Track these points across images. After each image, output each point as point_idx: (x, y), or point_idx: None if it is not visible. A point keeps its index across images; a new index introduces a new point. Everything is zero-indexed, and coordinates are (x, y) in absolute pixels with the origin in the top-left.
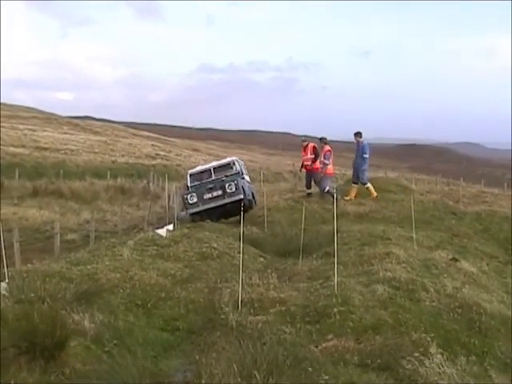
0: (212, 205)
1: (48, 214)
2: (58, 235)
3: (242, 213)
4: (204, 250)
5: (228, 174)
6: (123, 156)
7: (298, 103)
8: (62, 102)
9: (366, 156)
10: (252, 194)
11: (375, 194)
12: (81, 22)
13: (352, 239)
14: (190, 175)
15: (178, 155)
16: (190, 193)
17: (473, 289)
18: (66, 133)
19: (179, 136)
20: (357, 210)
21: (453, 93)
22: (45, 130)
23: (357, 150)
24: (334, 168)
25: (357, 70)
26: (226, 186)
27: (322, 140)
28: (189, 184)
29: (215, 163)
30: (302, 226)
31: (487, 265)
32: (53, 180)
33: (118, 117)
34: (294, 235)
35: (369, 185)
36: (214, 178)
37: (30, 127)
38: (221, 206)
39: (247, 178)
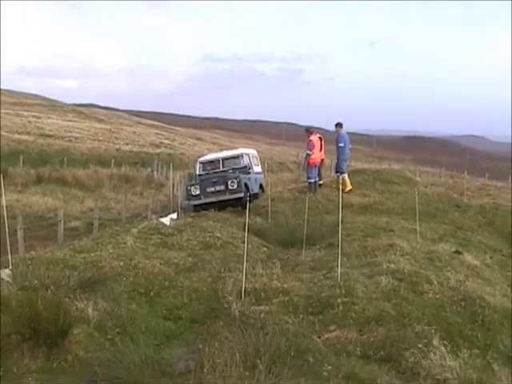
0: (213, 199)
1: (52, 202)
2: (62, 223)
3: (247, 204)
4: (208, 239)
5: (235, 166)
6: (127, 144)
7: (303, 94)
8: (67, 89)
9: (341, 145)
10: (260, 185)
11: (350, 187)
12: (85, 9)
13: (355, 230)
14: (200, 163)
15: (182, 144)
16: (193, 184)
17: (476, 282)
18: (70, 120)
19: (183, 125)
20: (361, 201)
21: (458, 85)
22: (49, 118)
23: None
24: (320, 157)
25: (362, 61)
26: (229, 182)
27: (307, 130)
28: (197, 172)
29: (225, 153)
30: (306, 217)
31: (490, 258)
32: (57, 167)
33: (123, 105)
34: (297, 225)
35: (345, 176)
36: (221, 169)
37: (34, 114)
38: (222, 201)
39: (257, 168)
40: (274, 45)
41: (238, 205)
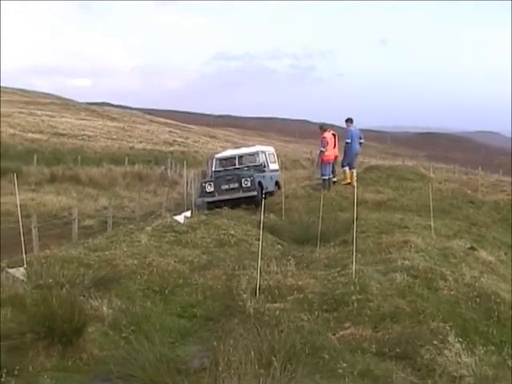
0: (227, 196)
1: (66, 200)
2: (76, 221)
3: (262, 202)
4: (222, 236)
5: (251, 164)
6: (141, 142)
7: (315, 90)
8: (80, 88)
9: (347, 141)
10: (276, 182)
11: (348, 181)
12: (97, 7)
13: (370, 227)
14: (216, 159)
15: (195, 142)
16: (208, 181)
17: (491, 278)
18: (83, 119)
19: (197, 123)
20: (375, 198)
21: (472, 81)
22: (63, 116)
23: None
24: (333, 154)
25: (374, 58)
26: (243, 180)
27: (321, 127)
28: (213, 168)
29: (241, 151)
30: (320, 214)
31: (505, 254)
32: (70, 166)
33: (135, 103)
34: (311, 223)
35: (346, 169)
36: (237, 166)
37: (48, 113)
38: (235, 199)
39: (274, 166)
40: (286, 42)
41: (251, 203)
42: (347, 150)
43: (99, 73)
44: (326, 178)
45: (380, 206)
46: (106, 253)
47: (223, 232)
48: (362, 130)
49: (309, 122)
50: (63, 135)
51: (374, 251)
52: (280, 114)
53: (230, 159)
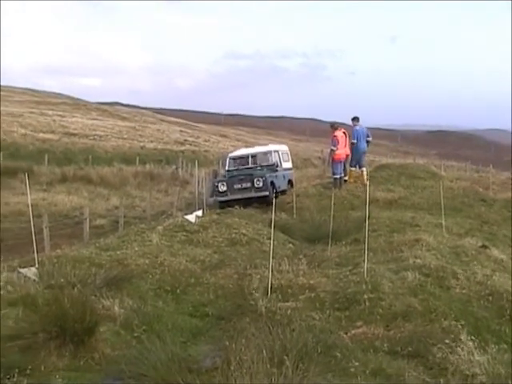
0: (239, 196)
1: (77, 200)
2: (87, 221)
3: (273, 201)
4: (233, 235)
5: (264, 163)
6: (151, 142)
7: (325, 89)
8: (91, 87)
9: (353, 141)
10: (289, 180)
11: (352, 180)
12: (108, 7)
13: (381, 226)
14: (230, 158)
15: (206, 141)
16: (220, 181)
17: (503, 276)
18: (94, 119)
19: (207, 122)
20: (386, 196)
21: (482, 79)
22: (74, 116)
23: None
24: (344, 152)
25: (384, 56)
26: (255, 180)
27: (332, 126)
28: (226, 167)
29: (254, 150)
30: (332, 213)
31: None
32: (81, 166)
33: (146, 103)
34: (322, 221)
35: (352, 169)
36: (250, 165)
37: (59, 113)
38: (247, 198)
39: (287, 164)
40: (296, 41)
41: (263, 202)
42: (353, 150)
43: (109, 72)
44: (338, 176)
45: (391, 204)
46: (118, 252)
47: (235, 231)
48: (371, 129)
49: (319, 120)
50: (74, 135)
51: (385, 250)
52: (290, 113)
53: (243, 158)
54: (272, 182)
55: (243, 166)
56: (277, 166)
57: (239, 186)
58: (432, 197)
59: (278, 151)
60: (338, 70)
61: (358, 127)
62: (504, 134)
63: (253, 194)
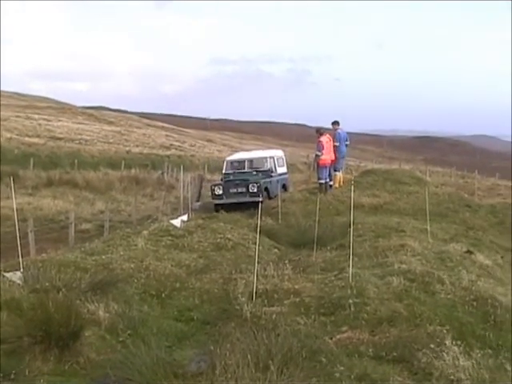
0: (234, 200)
1: (62, 204)
2: (73, 225)
3: (259, 205)
4: (218, 240)
5: (259, 169)
6: (137, 146)
7: (312, 94)
8: (78, 92)
9: (336, 144)
10: (283, 185)
11: (337, 185)
12: (95, 12)
13: (366, 231)
14: (228, 162)
15: (192, 146)
16: (217, 184)
17: (488, 282)
18: (80, 123)
19: (193, 127)
20: (371, 201)
21: (468, 85)
22: (60, 120)
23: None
24: (330, 158)
25: (370, 62)
26: (250, 185)
27: (317, 131)
28: (224, 171)
29: (250, 155)
30: (317, 218)
31: (502, 258)
32: (67, 170)
33: (133, 107)
34: (308, 227)
35: (337, 173)
36: (245, 169)
37: (45, 117)
38: (242, 202)
39: (282, 169)
40: (282, 46)
41: (257, 207)
42: (338, 153)
43: (96, 77)
44: (323, 181)
45: (377, 209)
46: (103, 257)
47: (220, 236)
48: (358, 134)
49: (305, 125)
50: (60, 139)
51: (370, 255)
52: (277, 118)
53: (240, 162)
54: (266, 188)
55: (239, 169)
56: (271, 172)
57: (235, 190)
58: (417, 202)
59: (273, 157)
60: (324, 75)
61: (339, 131)
62: (490, 140)
63: (247, 199)
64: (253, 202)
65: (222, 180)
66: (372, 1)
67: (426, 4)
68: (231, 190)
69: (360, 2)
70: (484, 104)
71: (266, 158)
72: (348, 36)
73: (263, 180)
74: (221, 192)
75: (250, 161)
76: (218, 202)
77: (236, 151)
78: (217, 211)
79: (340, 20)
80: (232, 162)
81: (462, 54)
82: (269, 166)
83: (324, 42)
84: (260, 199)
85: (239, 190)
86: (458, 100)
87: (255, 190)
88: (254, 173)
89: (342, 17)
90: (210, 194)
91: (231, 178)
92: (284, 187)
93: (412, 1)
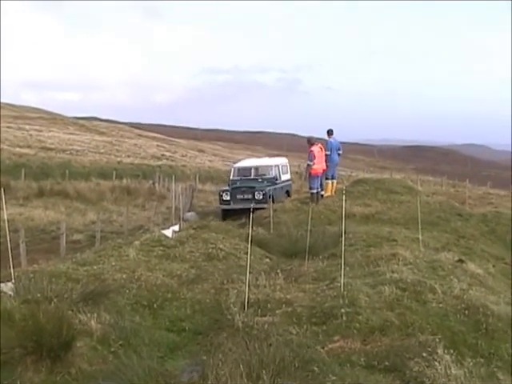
0: (241, 206)
1: (54, 215)
2: (64, 235)
3: (250, 215)
4: (210, 250)
5: (264, 176)
6: (129, 156)
7: (303, 104)
8: (69, 102)
9: (327, 153)
10: (287, 191)
11: (329, 193)
12: (87, 22)
13: (358, 240)
14: (235, 168)
15: (183, 156)
16: (225, 190)
17: (479, 290)
18: (71, 133)
19: (185, 137)
20: (362, 211)
21: (459, 94)
22: (51, 131)
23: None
24: (321, 167)
25: (362, 71)
26: (256, 193)
27: (309, 141)
28: (231, 176)
29: (257, 162)
30: (309, 227)
31: (493, 266)
32: (58, 180)
33: (124, 117)
34: (299, 236)
35: (329, 181)
36: (252, 176)
37: (36, 128)
38: (248, 209)
39: (286, 176)
40: (273, 55)
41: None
42: (327, 162)
43: (87, 87)
44: (315, 191)
45: (368, 219)
46: (95, 267)
47: (211, 246)
48: (349, 144)
49: (296, 135)
50: (51, 149)
51: (362, 264)
52: (268, 128)
53: (247, 169)
54: (271, 196)
55: (246, 176)
56: (276, 180)
57: (241, 196)
58: (409, 211)
59: (278, 165)
60: (316, 84)
61: (332, 140)
62: (479, 148)
63: (253, 206)
64: (258, 209)
65: (229, 186)
66: (364, 10)
67: (416, 15)
68: (238, 197)
69: (351, 11)
70: (473, 113)
71: (271, 166)
72: (340, 45)
73: (268, 188)
74: (228, 198)
75: (256, 168)
76: (225, 207)
77: (229, 161)
78: (224, 216)
79: (331, 29)
80: (239, 169)
81: (452, 65)
82: (274, 174)
83: (316, 51)
84: (266, 206)
85: (245, 196)
86: (449, 109)
87: (261, 198)
88: (260, 180)
89: (333, 26)
90: (217, 198)
91: (238, 184)
92: (287, 193)
93: (403, 11)
